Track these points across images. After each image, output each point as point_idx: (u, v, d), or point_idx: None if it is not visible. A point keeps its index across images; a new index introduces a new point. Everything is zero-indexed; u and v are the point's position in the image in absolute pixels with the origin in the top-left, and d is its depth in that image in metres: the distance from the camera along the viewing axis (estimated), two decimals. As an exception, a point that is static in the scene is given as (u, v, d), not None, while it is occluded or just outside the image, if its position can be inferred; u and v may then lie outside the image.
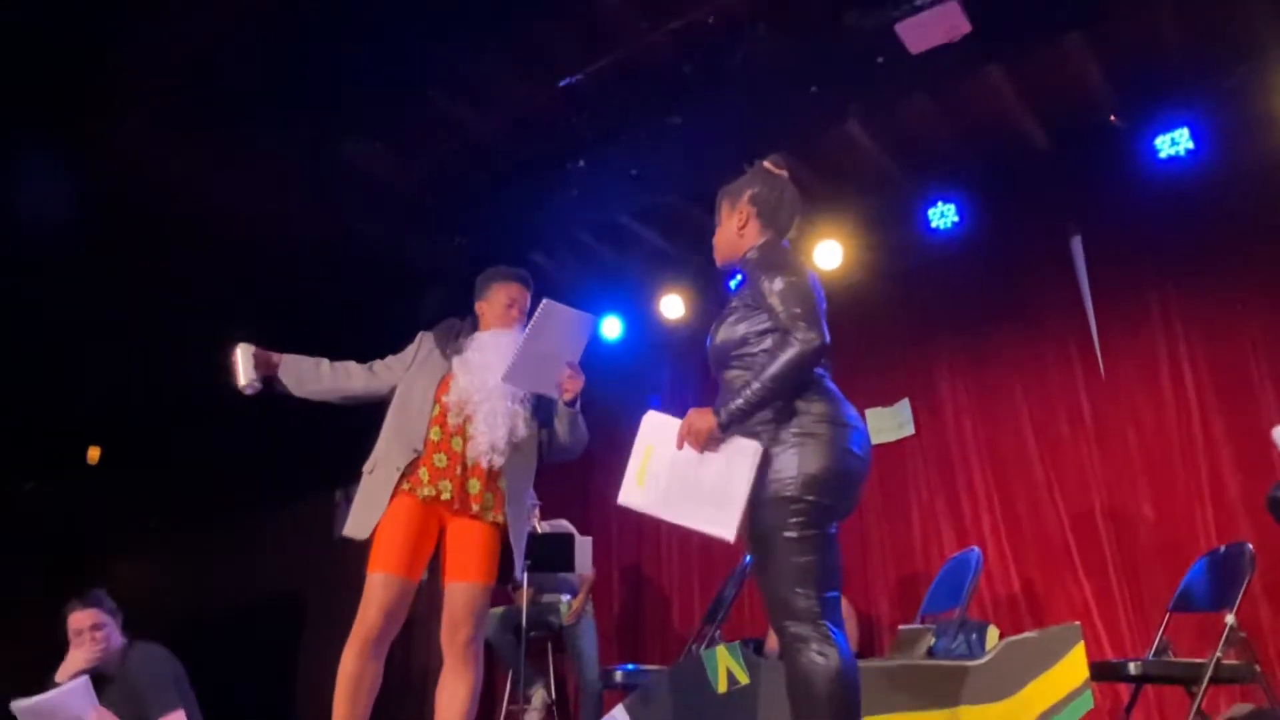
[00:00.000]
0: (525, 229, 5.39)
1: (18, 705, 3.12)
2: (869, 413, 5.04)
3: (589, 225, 5.54)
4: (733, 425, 2.17)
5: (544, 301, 2.64)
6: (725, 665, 3.30)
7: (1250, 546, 3.29)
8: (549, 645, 5.29)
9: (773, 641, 3.95)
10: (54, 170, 4.38)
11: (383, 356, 2.99)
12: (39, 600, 4.33)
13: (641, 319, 5.99)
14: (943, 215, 5.08)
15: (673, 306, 5.76)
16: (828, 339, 2.17)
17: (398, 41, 4.16)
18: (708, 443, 2.18)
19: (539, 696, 5.07)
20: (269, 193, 4.89)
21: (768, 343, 2.24)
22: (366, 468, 2.80)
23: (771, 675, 3.15)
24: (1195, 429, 4.34)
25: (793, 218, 2.45)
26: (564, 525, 5.06)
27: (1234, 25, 4.11)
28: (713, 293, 5.54)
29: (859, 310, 4.97)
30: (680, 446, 2.22)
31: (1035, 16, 4.07)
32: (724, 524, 2.13)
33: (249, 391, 2.81)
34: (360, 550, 2.72)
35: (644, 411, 2.36)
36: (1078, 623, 3.21)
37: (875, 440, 3.87)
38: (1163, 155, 4.51)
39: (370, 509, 2.71)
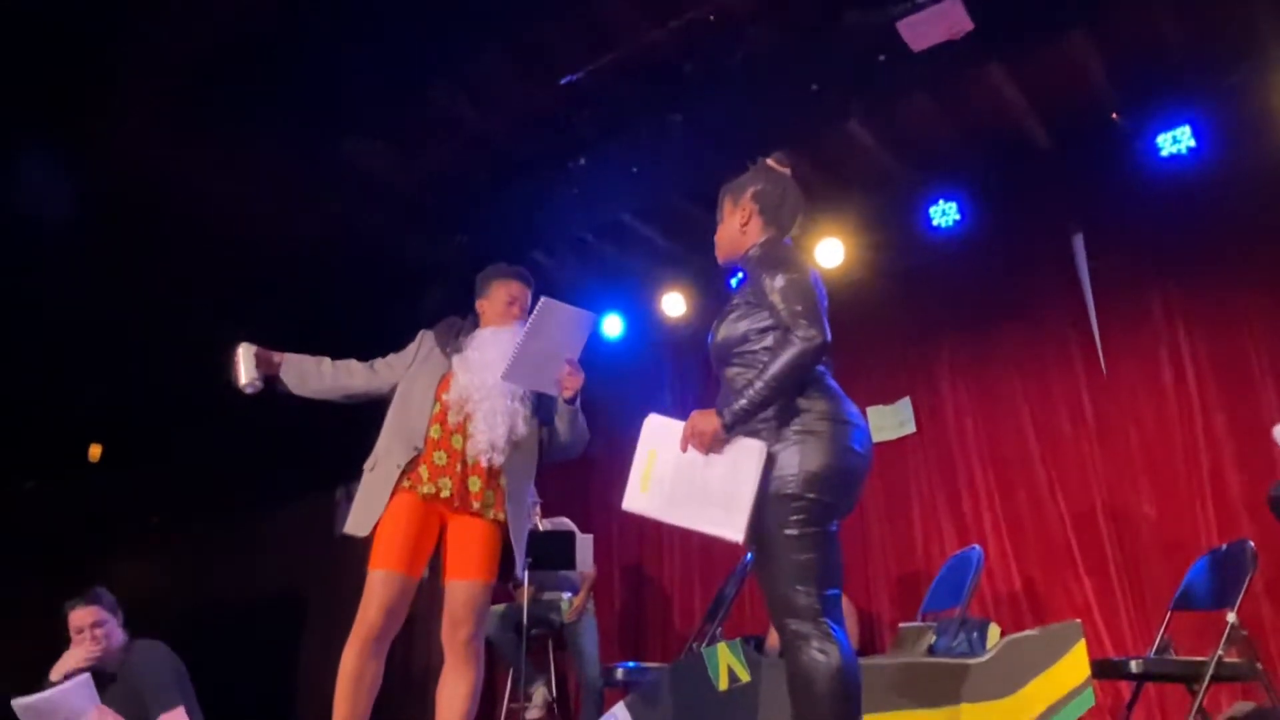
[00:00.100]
0: (526, 227, 5.39)
1: (18, 703, 3.11)
2: (870, 411, 5.04)
3: (590, 223, 5.54)
4: (737, 426, 2.16)
5: (542, 299, 2.64)
6: (726, 663, 3.30)
7: (1252, 544, 3.29)
8: (550, 643, 5.29)
9: (774, 639, 3.95)
10: (54, 169, 4.38)
11: (384, 355, 2.99)
12: (39, 598, 4.33)
13: (642, 317, 5.99)
14: (944, 213, 5.07)
15: (674, 304, 5.76)
16: (829, 337, 2.16)
17: (398, 40, 4.16)
18: (712, 444, 2.17)
19: (540, 694, 5.07)
20: (269, 191, 4.89)
21: (769, 340, 2.23)
22: (367, 465, 2.80)
23: (772, 673, 3.15)
24: (1197, 427, 4.34)
25: (795, 215, 2.44)
26: (565, 523, 5.06)
27: (1236, 23, 4.11)
28: (714, 291, 5.54)
29: (860, 308, 4.97)
30: (684, 449, 2.21)
31: (1037, 14, 4.07)
32: (733, 525, 2.13)
33: (250, 391, 2.81)
34: (361, 548, 2.72)
35: (645, 410, 2.36)
36: (1079, 620, 3.20)
37: (876, 438, 3.87)
38: (1164, 153, 4.50)
39: (371, 506, 2.71)
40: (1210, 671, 3.09)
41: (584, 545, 4.62)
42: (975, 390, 5.01)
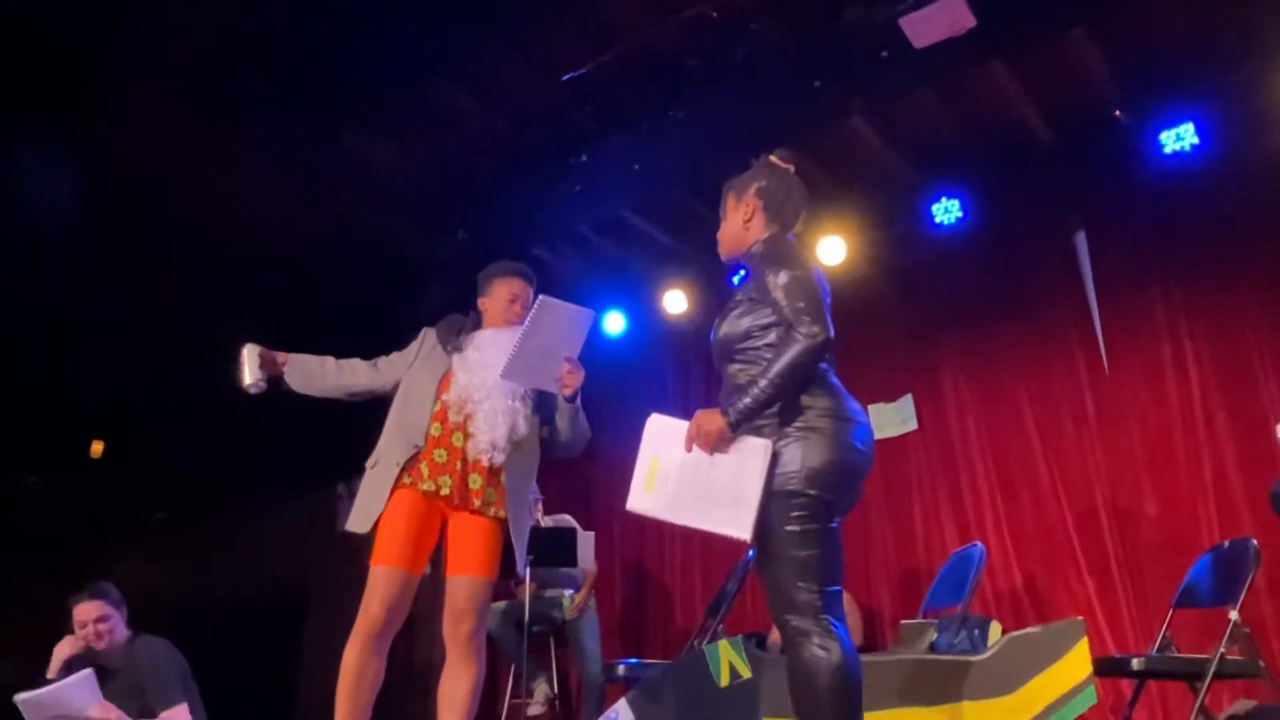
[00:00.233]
0: (528, 223, 5.39)
1: (21, 698, 3.12)
2: (872, 408, 5.03)
3: (591, 220, 5.53)
4: (741, 424, 2.16)
5: (540, 297, 2.65)
6: (727, 659, 3.31)
7: (1254, 542, 3.28)
8: (551, 640, 5.30)
9: (776, 636, 3.95)
10: (55, 167, 4.39)
11: (385, 351, 3.00)
12: (42, 594, 4.34)
13: (644, 314, 5.99)
14: (947, 210, 5.07)
15: (675, 301, 5.76)
16: (832, 334, 2.16)
17: (400, 36, 4.15)
18: (718, 444, 2.17)
19: (541, 691, 5.08)
20: (270, 188, 4.89)
21: (771, 337, 2.23)
22: (369, 463, 2.80)
23: (774, 670, 3.15)
24: (1199, 424, 4.33)
25: (799, 212, 2.44)
26: (566, 520, 5.06)
27: (1238, 20, 4.09)
28: (715, 287, 5.54)
29: (862, 305, 4.97)
30: (689, 449, 2.21)
31: (1040, 11, 4.06)
32: (740, 524, 2.12)
33: (254, 391, 2.83)
34: (363, 544, 2.72)
35: (647, 407, 2.36)
36: (1081, 618, 3.20)
37: (878, 435, 3.86)
38: (1167, 150, 4.49)
39: (372, 503, 2.72)
40: (1212, 669, 3.09)
41: (585, 542, 4.62)
42: (977, 387, 5.00)
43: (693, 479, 2.20)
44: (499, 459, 2.73)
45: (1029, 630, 3.25)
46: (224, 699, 3.74)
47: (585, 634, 5.08)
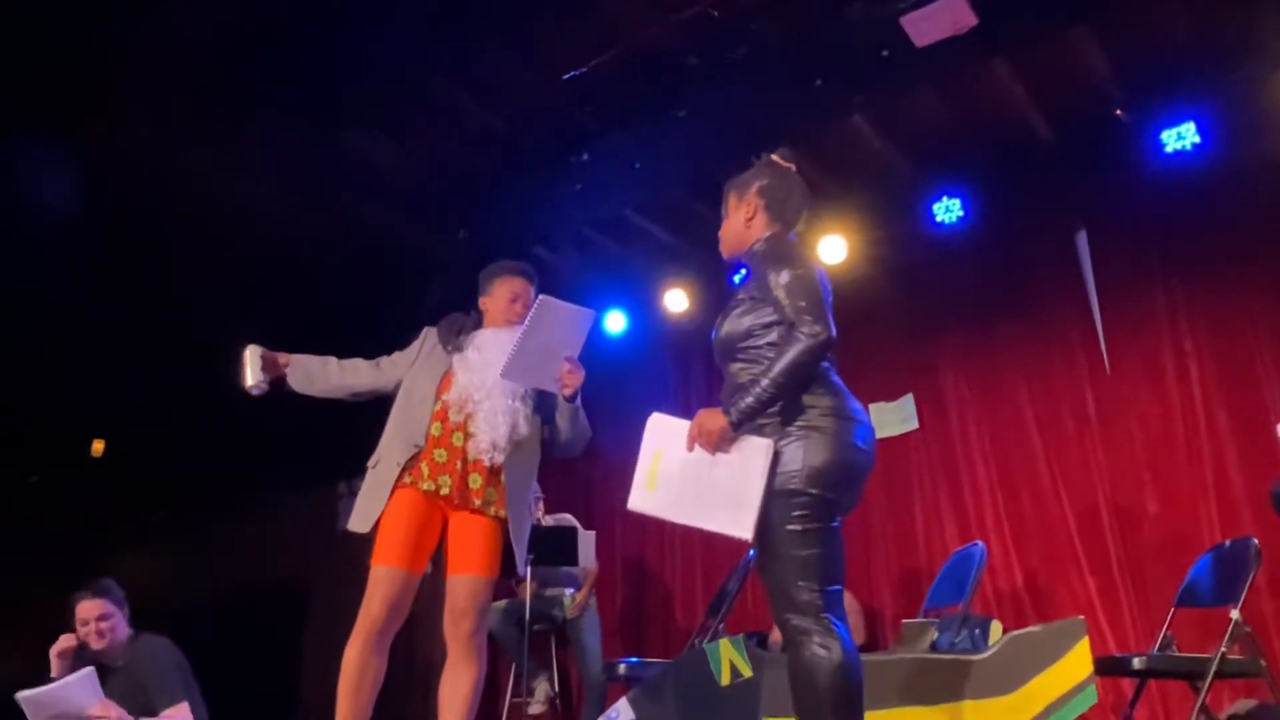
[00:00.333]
0: (528, 222, 5.38)
1: (23, 696, 3.12)
2: (873, 407, 5.03)
3: (592, 218, 5.53)
4: (743, 424, 2.16)
5: (540, 297, 2.65)
6: (728, 658, 3.31)
7: (1255, 541, 3.28)
8: (552, 638, 5.30)
9: (778, 635, 3.95)
10: (55, 166, 4.38)
11: (385, 350, 3.01)
12: (43, 593, 4.34)
13: (645, 313, 5.99)
14: (948, 209, 5.07)
15: (677, 300, 5.76)
16: (834, 333, 2.16)
17: (401, 34, 4.15)
18: (720, 443, 2.17)
19: (542, 689, 5.08)
20: (271, 187, 4.89)
21: (773, 335, 2.23)
22: (370, 462, 2.81)
23: (775, 669, 3.15)
24: (1200, 424, 4.33)
25: (800, 211, 2.44)
26: (568, 519, 5.06)
27: (1240, 19, 4.09)
28: (717, 286, 5.54)
29: (863, 304, 4.96)
30: (691, 448, 2.21)
31: (1041, 10, 4.06)
32: (742, 524, 2.13)
33: (256, 393, 2.84)
34: (363, 543, 2.73)
35: (648, 406, 2.36)
36: (1082, 617, 3.19)
37: (879, 435, 3.86)
38: (1169, 150, 4.49)
39: (372, 503, 2.73)
40: (1213, 668, 3.09)
41: (586, 541, 4.63)
42: (978, 387, 5.00)
43: (694, 478, 2.20)
44: (499, 459, 2.73)
45: (1030, 629, 3.25)
46: (224, 698, 3.74)
47: (586, 633, 5.09)
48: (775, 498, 2.14)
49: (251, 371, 2.82)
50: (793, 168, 2.47)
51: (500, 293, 2.95)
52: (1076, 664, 3.03)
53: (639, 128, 4.80)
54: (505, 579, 2.95)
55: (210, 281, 5.35)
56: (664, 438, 2.26)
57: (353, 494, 2.82)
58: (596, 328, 2.77)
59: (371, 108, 4.70)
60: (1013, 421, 4.84)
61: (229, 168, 4.71)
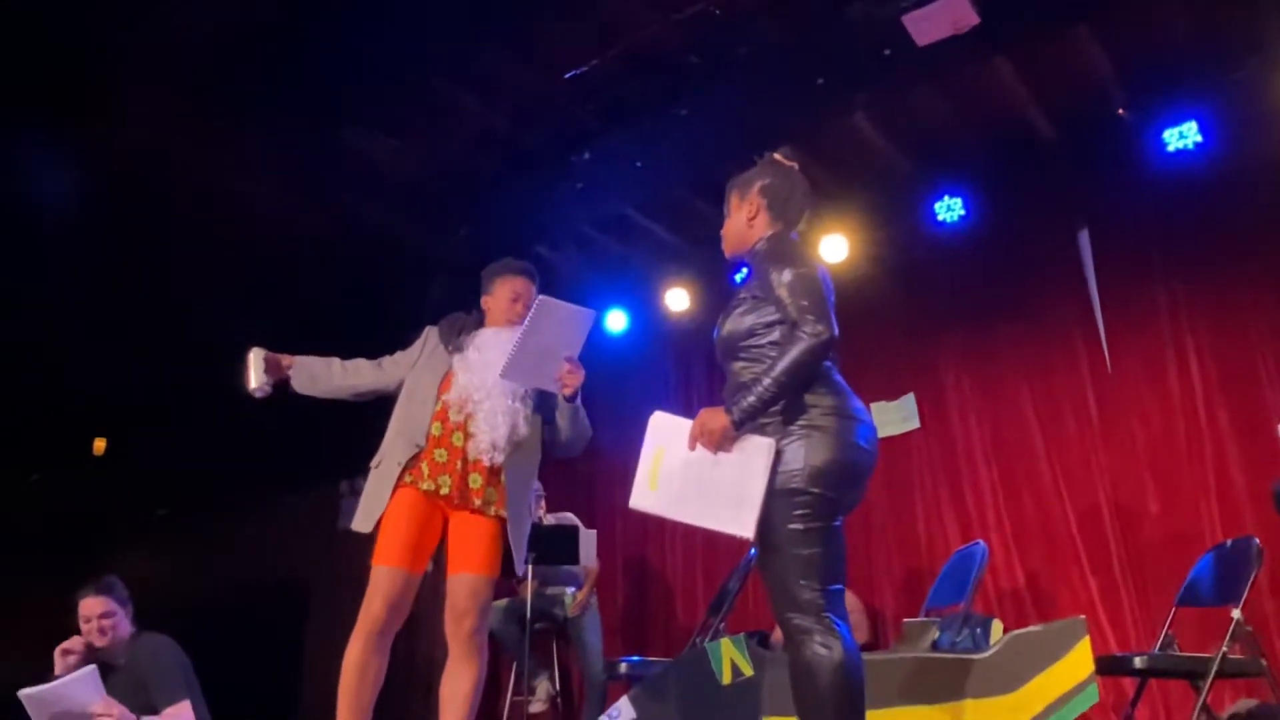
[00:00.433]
0: (530, 221, 5.38)
1: (25, 694, 3.13)
2: (874, 406, 5.02)
3: (594, 217, 5.53)
4: (745, 423, 2.16)
5: (539, 298, 2.65)
6: (729, 657, 3.31)
7: (1257, 541, 3.28)
8: (553, 637, 5.30)
9: (779, 634, 3.95)
10: (57, 164, 4.38)
11: (387, 347, 3.01)
12: (45, 591, 4.34)
13: (646, 312, 5.98)
14: (949, 208, 5.06)
15: (678, 299, 5.76)
16: (836, 332, 2.16)
17: (402, 32, 4.14)
18: (722, 442, 2.17)
19: (543, 688, 5.09)
20: (272, 185, 4.88)
21: (775, 334, 2.23)
22: (373, 463, 2.81)
23: (776, 668, 3.15)
24: (1201, 423, 4.33)
25: (803, 210, 2.44)
26: (569, 518, 5.06)
27: (1242, 18, 4.08)
28: (718, 285, 5.54)
29: (864, 304, 4.96)
30: (693, 447, 2.21)
31: (1043, 8, 4.05)
32: (743, 523, 2.13)
33: (259, 395, 2.84)
34: (364, 541, 2.73)
35: (649, 405, 2.36)
36: (1083, 617, 3.19)
37: (880, 434, 3.86)
38: (1171, 149, 4.48)
39: (374, 503, 2.73)
40: (1214, 668, 3.09)
41: (588, 540, 4.63)
42: (979, 386, 5.00)
43: (696, 477, 2.20)
44: (499, 459, 2.74)
45: (1031, 629, 3.25)
46: (225, 697, 3.74)
47: (587, 631, 5.09)
48: (777, 497, 2.14)
49: (255, 375, 2.83)
50: (795, 166, 2.47)
51: (502, 292, 2.95)
52: (1077, 663, 3.03)
53: (640, 127, 4.79)
54: (506, 578, 2.95)
55: (210, 281, 5.35)
56: (666, 436, 2.27)
57: (354, 493, 2.84)
58: (597, 327, 2.77)
59: (372, 107, 4.70)
60: (1014, 420, 4.84)
61: (229, 168, 4.70)
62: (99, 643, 3.38)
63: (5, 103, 4.10)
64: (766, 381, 2.14)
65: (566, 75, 4.53)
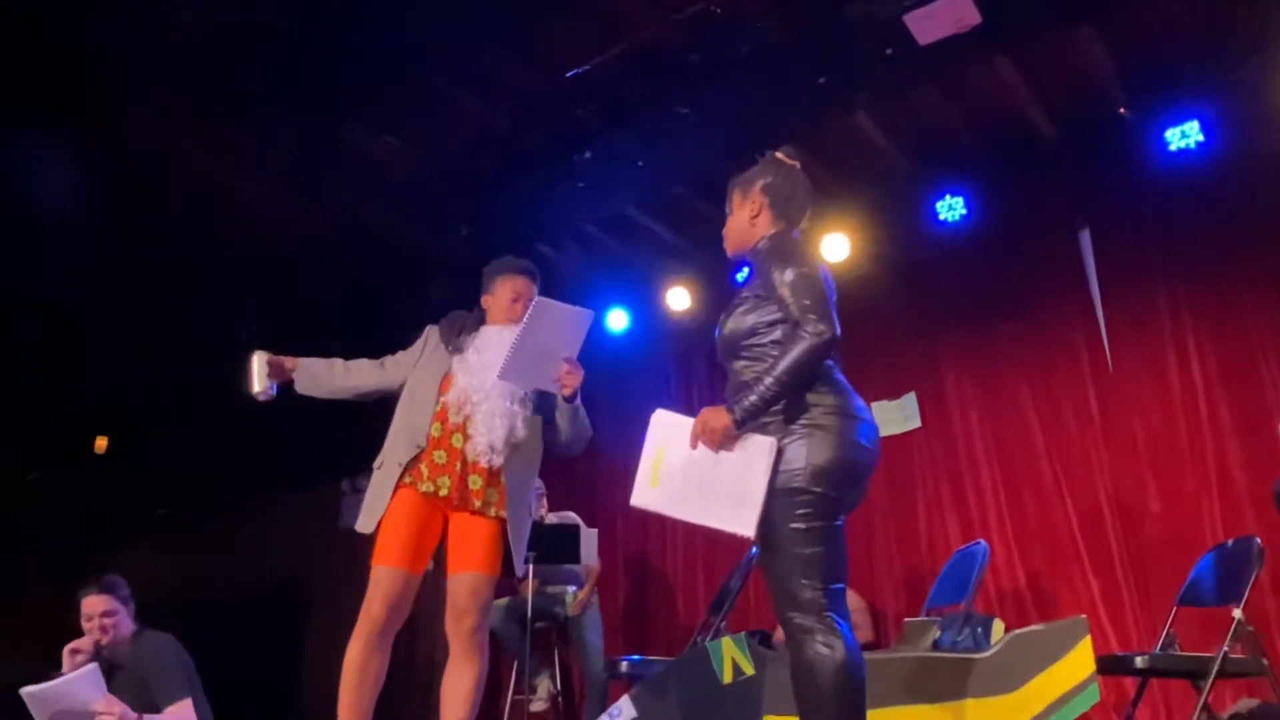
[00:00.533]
0: (531, 220, 5.38)
1: (27, 692, 3.13)
2: (875, 405, 4.97)
3: (595, 216, 5.53)
4: (747, 422, 2.16)
5: (536, 299, 2.65)
6: (730, 657, 3.31)
7: (1258, 540, 3.28)
8: (554, 636, 5.30)
9: (781, 633, 3.95)
10: (58, 163, 4.38)
11: (388, 346, 3.01)
12: (44, 591, 4.35)
13: (647, 311, 5.98)
14: (951, 208, 5.06)
15: (679, 299, 5.75)
16: (838, 331, 2.16)
17: (403, 31, 4.14)
18: (723, 441, 2.17)
19: (544, 687, 5.09)
20: (272, 185, 4.88)
21: (777, 334, 2.23)
22: (376, 463, 2.82)
23: (777, 667, 3.15)
24: (1203, 422, 4.33)
25: (805, 209, 2.44)
26: (570, 517, 5.06)
27: (1244, 18, 4.08)
28: (719, 285, 5.53)
29: (866, 303, 4.95)
30: (694, 446, 2.21)
31: (1044, 8, 4.05)
32: (744, 522, 2.13)
33: (263, 398, 2.85)
34: (364, 542, 2.73)
35: (650, 404, 2.35)
36: (1084, 616, 3.19)
37: (882, 433, 3.86)
38: (1173, 148, 4.48)
39: (375, 504, 2.74)
40: (1216, 668, 3.09)
41: (589, 539, 4.63)
42: (981, 385, 5.00)
43: (697, 475, 2.20)
44: (497, 461, 2.73)
45: (1032, 628, 3.25)
46: (226, 696, 3.74)
47: (588, 630, 5.09)
48: (778, 495, 2.14)
49: (258, 379, 2.83)
50: (797, 165, 2.47)
51: (502, 291, 2.95)
52: (1078, 663, 3.03)
53: (641, 126, 4.79)
54: (506, 578, 2.95)
55: (210, 281, 5.35)
56: (668, 434, 2.27)
57: (355, 492, 2.84)
58: (598, 326, 2.77)
59: (372, 106, 4.70)
60: (1015, 420, 4.84)
61: (229, 168, 4.70)
62: (101, 640, 3.38)
63: (5, 103, 4.10)
64: (768, 380, 2.14)
65: (567, 75, 4.53)
